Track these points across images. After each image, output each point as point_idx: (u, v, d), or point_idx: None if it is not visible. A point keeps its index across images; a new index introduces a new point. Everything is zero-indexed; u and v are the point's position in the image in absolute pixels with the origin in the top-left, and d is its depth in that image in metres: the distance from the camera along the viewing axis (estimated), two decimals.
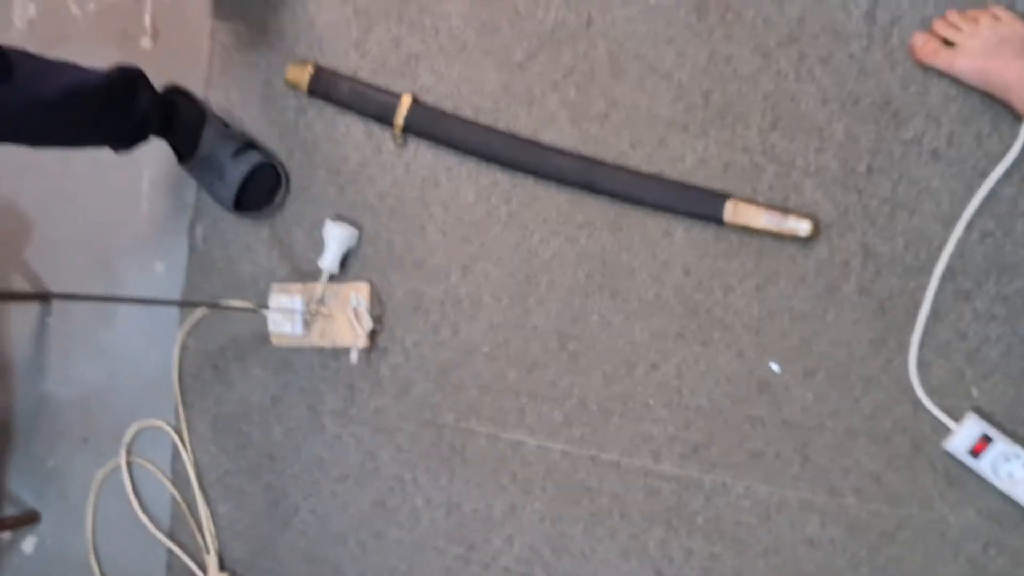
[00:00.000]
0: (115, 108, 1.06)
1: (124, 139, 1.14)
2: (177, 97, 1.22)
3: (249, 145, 1.23)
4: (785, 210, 0.96)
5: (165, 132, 1.19)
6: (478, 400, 1.12)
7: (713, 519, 1.01)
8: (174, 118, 1.19)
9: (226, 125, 1.24)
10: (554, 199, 1.09)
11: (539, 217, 1.10)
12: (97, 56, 1.41)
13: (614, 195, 1.05)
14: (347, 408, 1.20)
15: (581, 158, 1.07)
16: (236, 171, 1.22)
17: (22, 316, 1.50)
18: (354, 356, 1.16)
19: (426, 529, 1.15)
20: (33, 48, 1.41)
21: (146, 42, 1.39)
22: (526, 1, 1.11)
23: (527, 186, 1.10)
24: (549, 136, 1.09)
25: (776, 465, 0.98)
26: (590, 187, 1.07)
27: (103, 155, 1.38)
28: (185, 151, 1.21)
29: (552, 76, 1.09)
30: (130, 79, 1.10)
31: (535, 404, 1.09)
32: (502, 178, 1.12)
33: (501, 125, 1.12)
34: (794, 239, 0.96)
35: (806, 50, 0.97)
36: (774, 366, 0.98)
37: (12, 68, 0.93)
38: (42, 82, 0.96)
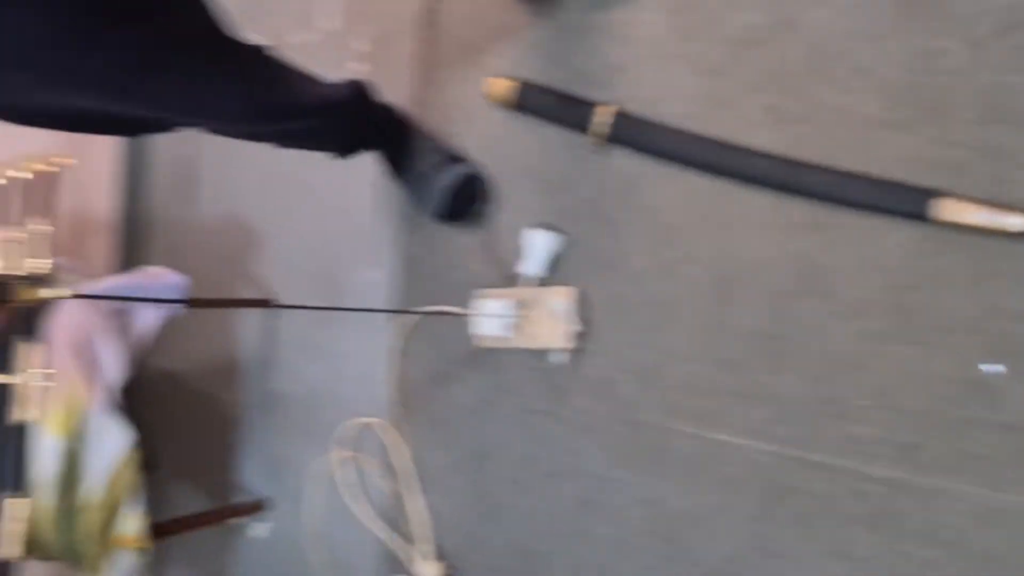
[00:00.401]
0: (351, 120, 1.34)
1: (349, 149, 1.43)
2: (392, 113, 1.50)
3: (455, 158, 1.49)
4: (999, 205, 1.07)
5: (382, 145, 1.48)
6: (681, 400, 1.30)
7: (927, 523, 1.13)
8: (390, 133, 1.47)
9: (433, 140, 1.51)
10: (757, 202, 1.25)
11: (741, 220, 1.26)
12: None
13: (818, 196, 1.20)
14: (554, 408, 1.43)
15: (784, 160, 1.23)
16: (442, 184, 1.49)
17: (252, 320, 1.86)
18: (560, 358, 1.38)
19: (631, 527, 1.35)
20: None
21: (355, 65, 1.71)
22: (721, 6, 1.29)
23: (729, 190, 1.28)
24: (751, 139, 1.26)
25: (995, 469, 1.09)
26: (794, 188, 1.22)
27: (321, 171, 1.71)
28: (397, 164, 1.49)
29: (751, 79, 1.26)
30: (364, 94, 1.38)
31: (739, 404, 1.26)
32: (703, 183, 1.30)
33: (702, 130, 1.30)
34: (1009, 235, 1.06)
35: (1022, 40, 1.08)
36: (992, 367, 1.09)
37: (283, 74, 1.22)
38: (302, 89, 1.25)
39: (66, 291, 0.77)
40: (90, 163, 2.02)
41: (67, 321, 1.40)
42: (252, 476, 1.86)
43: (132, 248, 1.99)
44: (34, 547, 1.43)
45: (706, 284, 1.29)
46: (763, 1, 1.26)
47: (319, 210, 1.77)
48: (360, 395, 1.68)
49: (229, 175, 1.94)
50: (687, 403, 1.30)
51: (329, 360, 1.74)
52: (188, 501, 1.95)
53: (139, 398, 1.48)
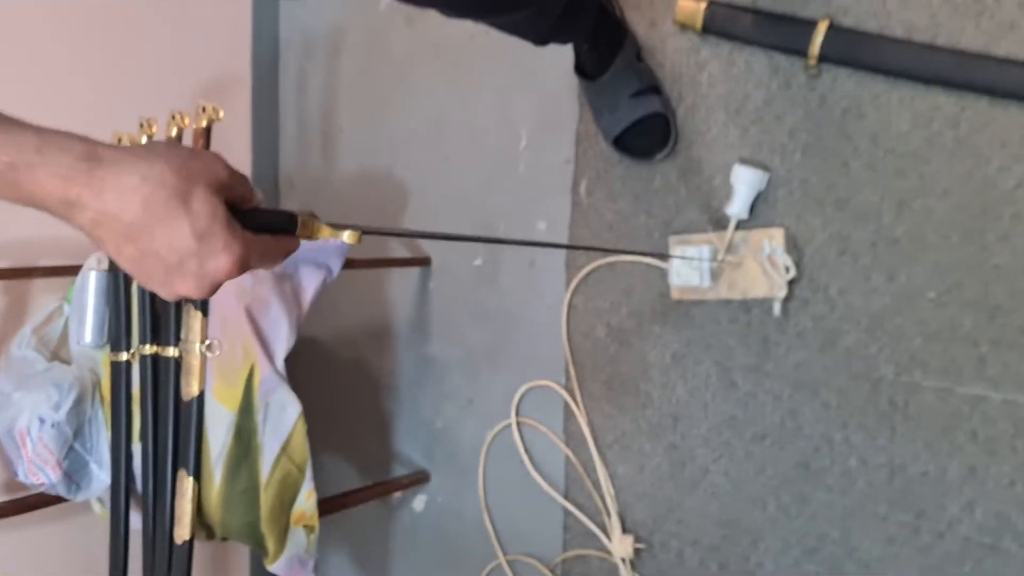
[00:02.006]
0: (569, 6, 1.22)
1: (550, 28, 1.26)
2: (607, 7, 1.37)
3: (653, 88, 1.37)
4: None
5: (585, 38, 1.35)
6: (924, 351, 1.18)
7: None
8: (599, 29, 1.35)
9: (640, 58, 1.39)
10: (1014, 120, 1.11)
11: (996, 141, 1.12)
12: None
13: None
14: (762, 363, 1.32)
15: None
16: (629, 111, 1.38)
17: (403, 281, 1.79)
18: (777, 308, 1.27)
19: (862, 493, 1.23)
20: (402, 16, 1.67)
21: None
22: None
23: (979, 107, 1.13)
24: (1006, 48, 1.11)
25: None
26: None
27: (476, 117, 1.62)
28: (593, 68, 1.38)
29: None
30: None
31: (999, 353, 1.12)
32: (945, 101, 1.16)
33: (941, 43, 1.16)
34: None
35: None
36: None
37: None
38: None
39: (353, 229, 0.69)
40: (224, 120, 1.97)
41: (236, 288, 1.34)
42: (410, 448, 1.80)
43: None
44: (211, 527, 1.39)
45: (953, 217, 1.15)
46: None
47: (476, 157, 1.67)
48: (531, 357, 1.59)
49: (371, 126, 1.87)
50: (931, 354, 1.17)
51: (493, 321, 1.66)
52: (342, 477, 1.91)
53: (295, 367, 1.42)
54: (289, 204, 1.99)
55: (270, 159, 2.03)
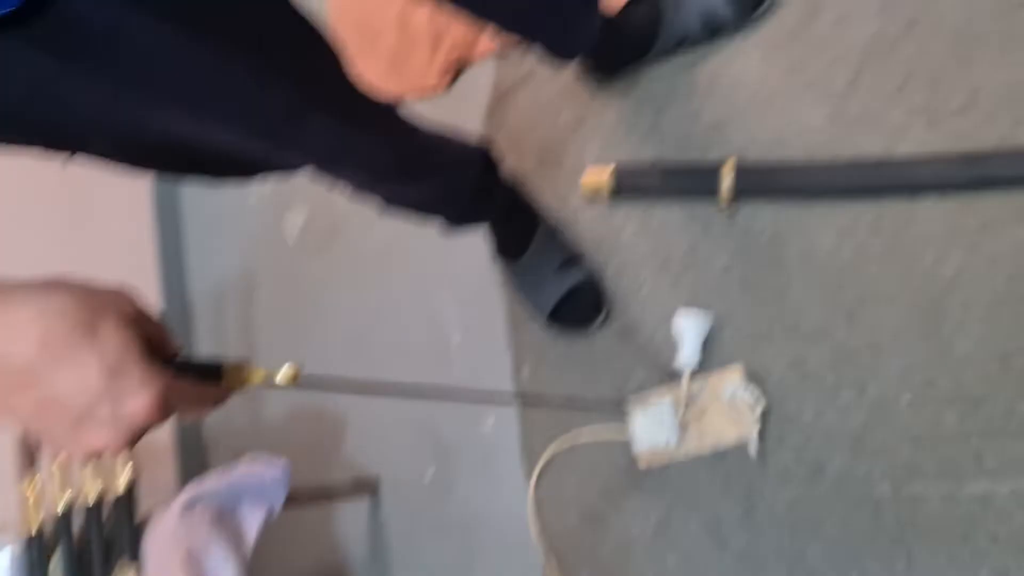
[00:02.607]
0: (476, 182, 1.21)
1: (466, 217, 1.28)
2: (519, 189, 1.39)
3: (577, 258, 1.37)
4: None
5: (501, 222, 1.34)
6: (916, 458, 1.12)
7: None
8: (514, 210, 1.35)
9: (557, 231, 1.39)
10: (934, 212, 1.13)
11: (923, 237, 1.14)
12: (380, 228, 1.65)
13: (1012, 183, 1.08)
14: (751, 512, 1.23)
15: (959, 158, 1.12)
16: (557, 285, 1.36)
17: (353, 515, 1.65)
18: (752, 448, 1.20)
19: None
20: (311, 247, 1.67)
21: None
22: (830, 27, 1.23)
23: (897, 209, 1.16)
24: (906, 148, 1.16)
25: None
26: (979, 184, 1.11)
27: (402, 329, 1.58)
28: (512, 250, 1.36)
29: (887, 88, 1.18)
30: (491, 158, 1.26)
31: (992, 443, 1.08)
32: (863, 210, 1.18)
33: (844, 157, 1.20)
34: None
35: None
36: None
37: (417, 128, 1.09)
38: (438, 142, 1.13)
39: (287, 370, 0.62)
40: None
41: (170, 532, 1.20)
42: None
43: (191, 465, 1.80)
44: None
45: (905, 318, 1.14)
46: (878, 9, 1.19)
47: (409, 368, 1.62)
48: (506, 564, 1.45)
49: (294, 352, 1.79)
50: (924, 459, 1.12)
51: (458, 534, 1.53)
52: None
53: None
54: (218, 462, 1.86)
55: (191, 425, 1.92)
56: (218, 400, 0.63)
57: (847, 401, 1.17)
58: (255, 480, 1.32)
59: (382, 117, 0.98)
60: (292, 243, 1.83)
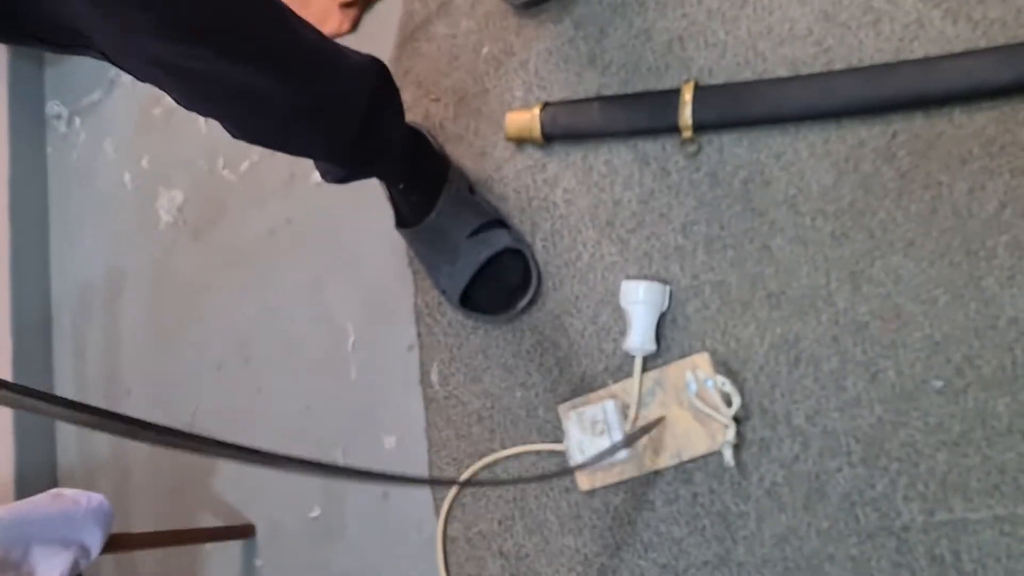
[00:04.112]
0: (367, 106, 0.90)
1: (354, 157, 0.98)
2: (422, 135, 1.09)
3: (496, 222, 1.07)
4: None
5: (399, 174, 1.05)
6: (954, 468, 0.81)
7: None
8: (416, 159, 1.05)
9: (472, 191, 1.09)
10: (966, 128, 0.85)
11: (952, 161, 0.85)
12: (267, 207, 1.35)
13: None
14: (729, 552, 0.91)
15: (993, 54, 0.83)
16: (472, 255, 1.06)
17: (222, 563, 1.32)
18: (728, 456, 0.89)
19: None
20: (188, 233, 1.36)
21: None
22: None
23: (914, 126, 0.87)
24: (922, 49, 0.87)
25: None
26: (1021, 87, 0.82)
27: (289, 326, 1.28)
28: (413, 212, 1.07)
29: None
30: (388, 76, 0.96)
31: None
32: (868, 133, 0.89)
33: (840, 66, 0.91)
34: None
35: None
36: None
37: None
38: (305, 28, 0.82)
39: None
40: None
41: None
42: None
43: None
44: None
45: (930, 273, 0.85)
46: None
47: (296, 375, 1.30)
48: None
49: (163, 376, 1.48)
50: (967, 470, 0.81)
51: None
52: None
53: None
54: None
55: (43, 448, 1.58)
56: None
57: (855, 392, 0.87)
58: (57, 518, 0.99)
59: None
60: (164, 227, 1.51)
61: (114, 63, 0.75)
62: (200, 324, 1.44)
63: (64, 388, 1.62)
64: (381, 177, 1.08)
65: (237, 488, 1.34)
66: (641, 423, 0.96)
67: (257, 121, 0.87)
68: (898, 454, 0.84)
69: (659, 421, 0.94)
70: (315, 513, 1.24)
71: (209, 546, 1.34)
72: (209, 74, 0.75)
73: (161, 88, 0.78)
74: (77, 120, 1.73)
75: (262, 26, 0.76)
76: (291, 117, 0.85)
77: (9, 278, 1.62)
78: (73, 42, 0.72)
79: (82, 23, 0.68)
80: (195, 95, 0.80)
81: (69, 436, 1.59)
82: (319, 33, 0.87)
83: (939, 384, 0.83)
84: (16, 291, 1.62)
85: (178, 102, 0.81)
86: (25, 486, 1.52)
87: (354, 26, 1.36)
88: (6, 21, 0.68)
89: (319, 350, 1.28)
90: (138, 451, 1.49)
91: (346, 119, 0.91)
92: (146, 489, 1.45)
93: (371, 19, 1.34)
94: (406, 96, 1.07)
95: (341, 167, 1.01)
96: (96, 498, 1.05)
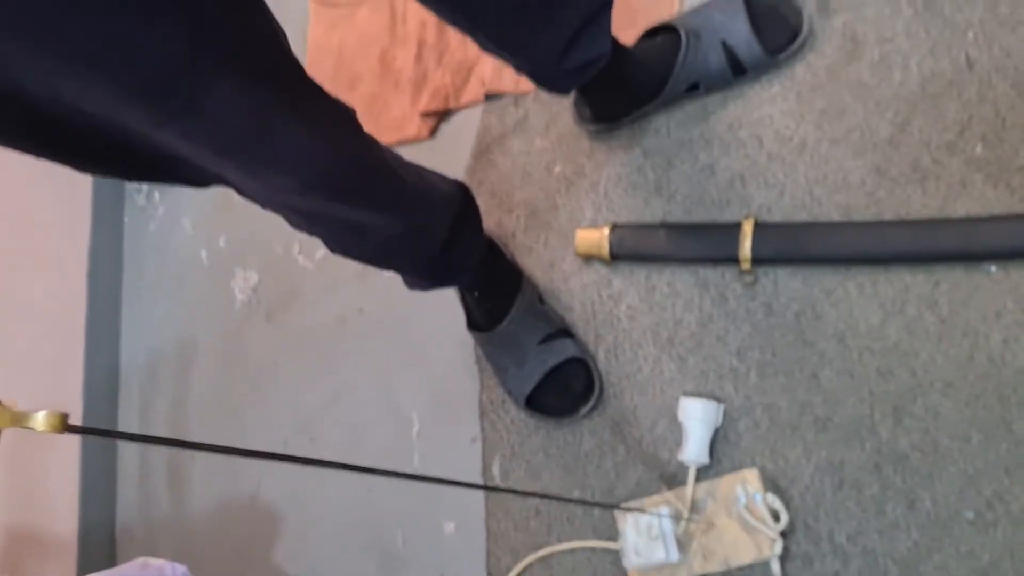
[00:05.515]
0: (451, 229, 1.03)
1: (436, 271, 1.10)
2: (496, 246, 1.21)
3: (563, 332, 1.18)
4: None
5: (475, 283, 1.18)
6: None
7: None
8: (492, 269, 1.17)
9: (541, 301, 1.21)
10: (1002, 283, 0.96)
11: (989, 311, 0.96)
12: (339, 295, 1.47)
13: None
14: None
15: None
16: (540, 362, 1.17)
17: None
18: (776, 568, 0.99)
19: None
20: (261, 313, 1.48)
21: None
22: (874, 67, 1.08)
23: (955, 278, 0.98)
24: (964, 208, 0.99)
25: None
26: None
27: (355, 411, 1.38)
28: (486, 317, 1.19)
29: (942, 138, 1.02)
30: (471, 200, 1.09)
31: None
32: (913, 280, 1.00)
33: (889, 217, 1.03)
34: None
35: None
36: None
37: (378, 146, 0.92)
38: (400, 167, 0.95)
39: None
40: (43, 470, 1.66)
41: None
42: None
43: (95, 564, 1.56)
44: None
45: (965, 414, 0.95)
46: (930, 47, 1.05)
47: (359, 458, 1.39)
48: None
49: (224, 440, 1.57)
50: None
51: None
52: None
53: None
54: (127, 559, 1.62)
55: (104, 510, 1.69)
56: None
57: (894, 517, 0.97)
58: None
59: (328, 112, 0.81)
60: (239, 306, 1.63)
61: (243, 196, 0.88)
62: (267, 402, 1.55)
63: (127, 456, 1.73)
64: (459, 285, 1.21)
65: (297, 561, 1.44)
66: (694, 531, 1.06)
67: (357, 245, 1.00)
68: (932, 572, 0.93)
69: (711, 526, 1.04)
70: None
71: None
72: (323, 212, 0.88)
73: (278, 214, 0.91)
74: (156, 194, 1.88)
75: (374, 178, 0.89)
76: (387, 242, 0.98)
77: (84, 343, 1.74)
78: (210, 183, 0.84)
79: (231, 180, 0.81)
80: (306, 224, 0.92)
81: (131, 497, 1.70)
82: (417, 172, 1.01)
83: (971, 515, 0.93)
84: (89, 356, 1.74)
85: (289, 223, 0.94)
86: (87, 547, 1.62)
87: (432, 133, 1.49)
88: (156, 175, 0.80)
89: (384, 436, 1.39)
90: (200, 515, 1.59)
91: (433, 240, 1.03)
92: (206, 553, 1.55)
93: (448, 129, 1.47)
94: (480, 204, 1.20)
95: (425, 279, 1.13)
96: (180, 569, 1.15)
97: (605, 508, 1.14)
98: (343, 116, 0.84)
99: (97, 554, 1.63)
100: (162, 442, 0.47)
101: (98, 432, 0.45)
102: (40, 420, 0.41)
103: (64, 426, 0.42)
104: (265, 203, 0.87)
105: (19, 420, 0.41)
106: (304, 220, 0.91)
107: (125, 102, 0.61)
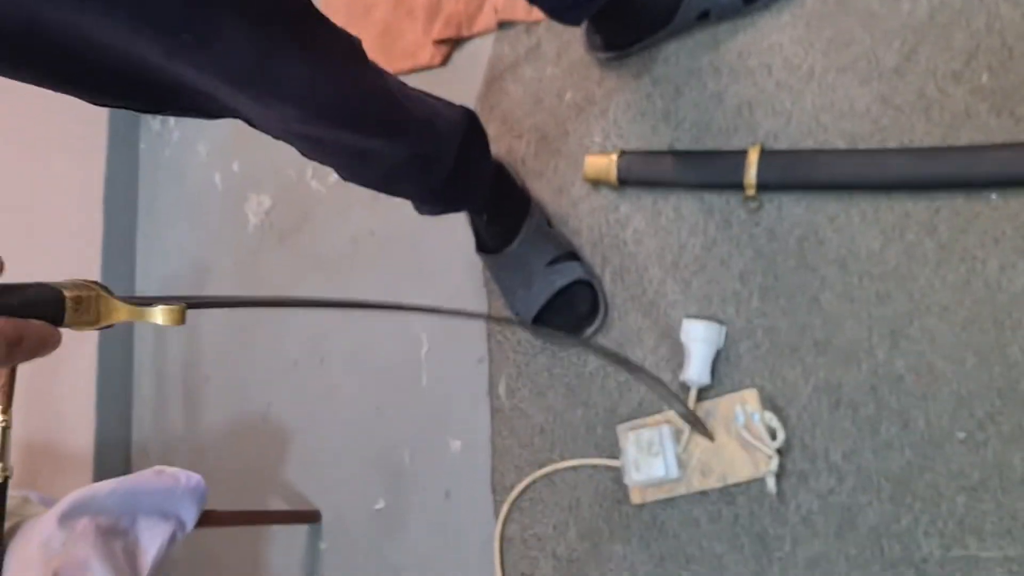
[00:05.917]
0: (458, 153, 1.05)
1: (445, 196, 1.12)
2: (506, 171, 1.23)
3: (570, 255, 1.21)
4: None
5: (484, 206, 1.20)
6: (972, 511, 0.94)
7: None
8: (500, 193, 1.19)
9: (549, 224, 1.23)
10: (1001, 210, 0.97)
11: (987, 238, 0.98)
12: (351, 218, 1.49)
13: None
14: (765, 568, 1.04)
15: None
16: (547, 284, 1.20)
17: (286, 544, 1.46)
18: (771, 484, 1.03)
19: None
20: (274, 236, 1.51)
21: None
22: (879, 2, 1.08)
23: (955, 205, 1.00)
24: (967, 137, 1.00)
25: None
26: None
27: (366, 331, 1.41)
28: (496, 241, 1.21)
29: (948, 67, 1.03)
30: (478, 125, 1.11)
31: None
32: (914, 207, 1.02)
33: (893, 144, 1.04)
34: None
35: None
36: None
37: (383, 73, 0.94)
38: (406, 94, 0.97)
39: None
40: (60, 380, 1.70)
41: (40, 545, 1.01)
42: None
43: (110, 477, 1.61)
44: None
45: (961, 337, 0.98)
46: None
47: (369, 377, 1.45)
48: None
49: (242, 367, 1.63)
50: (982, 513, 0.94)
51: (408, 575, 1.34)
52: None
53: None
54: None
55: (120, 426, 1.74)
56: (48, 343, 0.45)
57: (888, 436, 1.00)
58: (159, 493, 1.14)
59: (332, 44, 0.82)
60: (252, 230, 1.66)
61: (254, 127, 0.90)
62: (279, 323, 1.59)
63: (142, 375, 1.78)
64: (468, 209, 1.23)
65: (306, 476, 1.49)
66: (694, 448, 1.10)
67: (365, 172, 1.02)
68: (922, 494, 0.97)
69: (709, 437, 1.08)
70: (379, 505, 1.39)
71: (275, 527, 1.48)
72: (332, 140, 0.90)
73: (288, 144, 0.93)
74: (171, 121, 1.89)
75: (380, 107, 0.91)
76: (394, 168, 1.00)
77: (100, 265, 1.78)
78: (222, 115, 0.86)
79: (241, 110, 0.82)
80: (316, 152, 0.94)
81: (145, 413, 1.75)
82: (422, 100, 1.02)
83: (962, 435, 0.96)
84: (105, 279, 1.77)
85: (300, 152, 0.96)
86: (103, 461, 1.67)
87: (444, 61, 1.50)
88: (169, 106, 0.82)
89: (393, 356, 1.42)
90: (212, 434, 1.64)
91: (440, 166, 1.05)
92: (218, 469, 1.60)
93: (461, 56, 1.48)
94: (491, 130, 1.21)
95: (435, 204, 1.15)
96: (195, 477, 1.19)
97: (606, 429, 1.17)
98: (347, 47, 0.85)
99: (112, 471, 1.68)
100: (256, 303, 0.50)
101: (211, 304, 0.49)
102: (159, 314, 0.44)
103: (183, 318, 0.46)
104: (275, 133, 0.89)
105: (138, 315, 0.44)
106: (313, 148, 0.93)
107: (140, 36, 0.64)
